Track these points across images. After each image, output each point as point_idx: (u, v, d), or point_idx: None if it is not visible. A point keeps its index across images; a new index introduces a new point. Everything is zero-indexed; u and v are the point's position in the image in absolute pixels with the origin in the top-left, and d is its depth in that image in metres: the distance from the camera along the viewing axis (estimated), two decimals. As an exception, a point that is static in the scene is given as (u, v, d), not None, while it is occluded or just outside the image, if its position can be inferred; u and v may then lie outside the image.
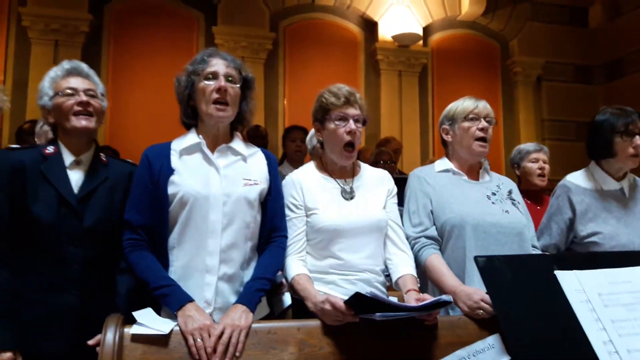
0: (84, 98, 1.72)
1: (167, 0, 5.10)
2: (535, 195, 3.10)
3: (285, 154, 4.16)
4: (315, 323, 1.56)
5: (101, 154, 1.81)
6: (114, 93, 4.82)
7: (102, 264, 1.73)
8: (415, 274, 1.77)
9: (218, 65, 1.70)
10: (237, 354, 1.44)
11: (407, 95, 5.63)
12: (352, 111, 1.82)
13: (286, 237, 1.78)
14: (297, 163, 3.76)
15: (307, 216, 1.81)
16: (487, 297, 1.58)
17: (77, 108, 1.71)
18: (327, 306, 1.50)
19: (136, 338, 1.43)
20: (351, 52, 5.58)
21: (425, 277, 1.87)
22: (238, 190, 1.67)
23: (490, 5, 5.87)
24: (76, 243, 1.66)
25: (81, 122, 1.71)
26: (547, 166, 3.15)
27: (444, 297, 1.50)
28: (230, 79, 1.70)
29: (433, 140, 5.67)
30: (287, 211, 1.81)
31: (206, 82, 1.68)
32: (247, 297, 1.59)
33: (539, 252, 2.00)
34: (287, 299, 2.15)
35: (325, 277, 1.76)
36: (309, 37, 5.43)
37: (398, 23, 5.46)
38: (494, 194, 1.97)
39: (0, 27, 4.67)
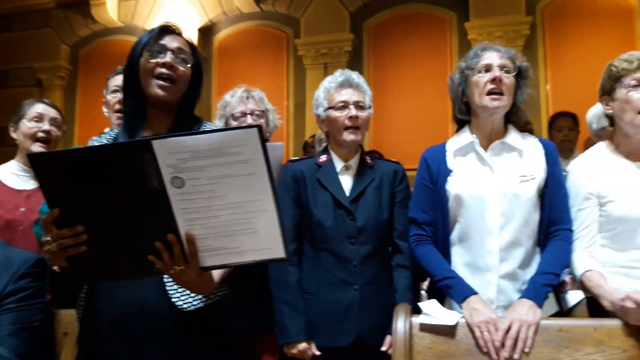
0: (353, 112, 1.85)
1: (418, 6, 5.24)
2: None
3: (551, 144, 3.85)
4: (615, 323, 1.43)
5: (367, 157, 1.94)
6: (376, 101, 5.09)
7: (377, 260, 1.85)
8: None
9: (492, 57, 1.69)
10: (527, 349, 1.41)
11: None
12: None
13: (571, 231, 1.65)
14: (565, 153, 3.42)
15: (601, 205, 1.64)
16: None
17: (347, 123, 1.85)
18: (629, 304, 1.34)
19: (424, 327, 1.51)
20: (626, 21, 4.81)
21: None
22: (514, 189, 1.63)
23: None
24: (352, 241, 1.81)
25: (351, 136, 1.86)
26: None
27: None
28: (505, 69, 1.67)
29: None
30: (573, 202, 1.68)
31: (480, 74, 1.68)
32: (533, 292, 1.54)
33: None
34: (573, 297, 2.00)
35: (633, 272, 1.58)
36: (572, 13, 4.85)
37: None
38: None
39: (282, 59, 5.52)
